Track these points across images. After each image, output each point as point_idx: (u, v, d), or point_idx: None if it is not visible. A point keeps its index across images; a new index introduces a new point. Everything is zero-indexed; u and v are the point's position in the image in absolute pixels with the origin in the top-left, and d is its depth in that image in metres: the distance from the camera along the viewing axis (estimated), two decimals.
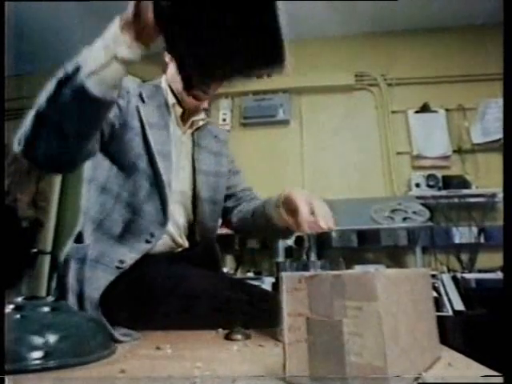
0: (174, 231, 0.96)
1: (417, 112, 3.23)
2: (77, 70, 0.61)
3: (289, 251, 2.78)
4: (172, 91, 1.01)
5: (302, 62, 3.42)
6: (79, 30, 3.15)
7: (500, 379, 0.37)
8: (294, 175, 3.23)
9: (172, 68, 1.00)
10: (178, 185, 0.96)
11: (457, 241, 2.84)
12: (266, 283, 2.47)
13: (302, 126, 3.37)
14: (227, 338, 0.65)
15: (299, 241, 2.66)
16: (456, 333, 1.75)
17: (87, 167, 0.97)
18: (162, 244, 0.92)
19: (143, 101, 0.94)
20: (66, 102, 0.62)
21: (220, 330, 0.72)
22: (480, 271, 2.56)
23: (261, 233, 1.15)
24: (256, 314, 0.76)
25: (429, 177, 2.97)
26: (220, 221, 1.12)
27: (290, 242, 2.72)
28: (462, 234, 2.85)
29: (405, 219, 2.68)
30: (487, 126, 3.07)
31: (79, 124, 0.67)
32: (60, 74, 0.63)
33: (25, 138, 0.69)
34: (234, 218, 1.11)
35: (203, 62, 0.62)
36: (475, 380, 0.39)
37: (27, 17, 3.01)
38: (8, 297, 0.58)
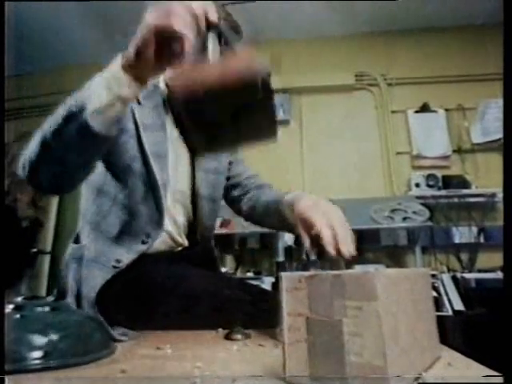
0: (174, 230, 0.96)
1: (416, 112, 3.23)
2: (82, 108, 0.63)
3: (289, 251, 2.78)
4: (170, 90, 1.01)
5: (302, 62, 3.43)
6: (79, 30, 3.16)
7: (500, 379, 0.37)
8: (293, 175, 3.23)
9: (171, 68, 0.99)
10: (176, 184, 0.96)
11: (457, 241, 2.85)
12: (266, 283, 2.48)
13: (302, 126, 3.38)
14: (227, 337, 0.65)
15: (299, 241, 2.66)
16: (456, 333, 1.74)
17: None
18: (161, 243, 0.92)
19: (139, 102, 0.94)
20: (71, 137, 0.65)
21: (220, 329, 0.72)
22: (480, 271, 2.57)
23: (275, 228, 1.15)
24: (256, 314, 0.76)
25: (428, 177, 2.97)
26: (218, 221, 1.12)
27: (290, 241, 2.73)
28: (462, 234, 2.86)
29: (405, 219, 2.68)
30: (487, 125, 3.07)
31: (82, 156, 0.71)
32: (66, 109, 0.66)
33: (29, 163, 0.72)
34: (244, 207, 1.11)
35: (208, 143, 0.67)
36: (475, 380, 0.39)
37: (27, 17, 3.01)
38: (8, 297, 0.58)
